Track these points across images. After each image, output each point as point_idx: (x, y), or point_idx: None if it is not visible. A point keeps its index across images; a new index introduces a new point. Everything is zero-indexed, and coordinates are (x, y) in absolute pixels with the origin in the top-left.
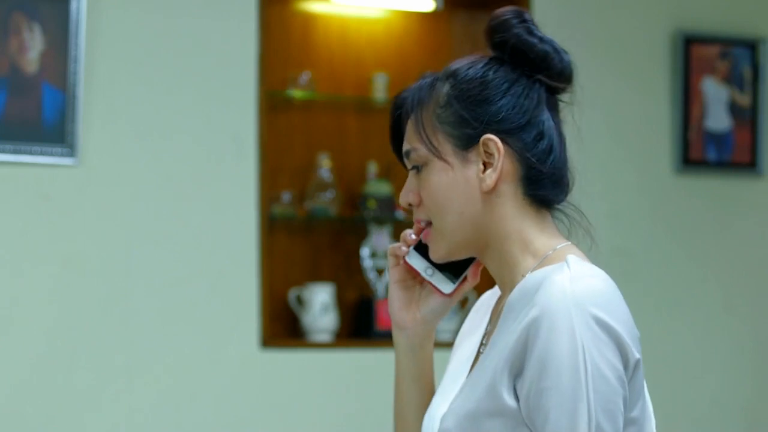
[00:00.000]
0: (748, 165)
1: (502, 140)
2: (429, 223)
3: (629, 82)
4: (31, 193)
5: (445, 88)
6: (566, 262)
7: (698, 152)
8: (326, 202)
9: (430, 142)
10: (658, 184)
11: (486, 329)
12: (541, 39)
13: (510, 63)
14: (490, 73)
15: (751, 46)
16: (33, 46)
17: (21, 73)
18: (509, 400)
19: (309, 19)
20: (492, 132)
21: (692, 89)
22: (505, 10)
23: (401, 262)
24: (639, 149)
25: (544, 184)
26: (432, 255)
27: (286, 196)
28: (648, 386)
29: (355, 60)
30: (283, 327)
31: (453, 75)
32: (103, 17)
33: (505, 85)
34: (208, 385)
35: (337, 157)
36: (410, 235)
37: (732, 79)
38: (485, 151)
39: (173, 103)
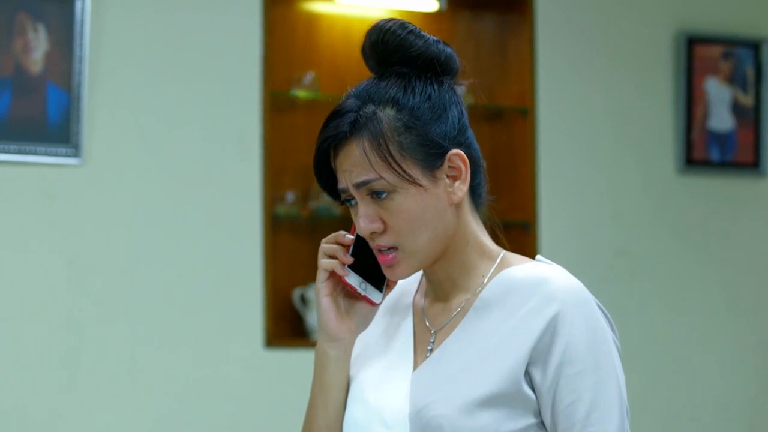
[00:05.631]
0: (751, 165)
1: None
2: (391, 248)
3: (632, 83)
4: (35, 193)
5: (391, 115)
6: (539, 260)
7: (701, 152)
8: (330, 202)
9: (404, 171)
10: (661, 184)
11: (414, 323)
12: (439, 46)
13: (421, 75)
14: (429, 90)
15: (754, 46)
16: (38, 46)
17: (26, 74)
18: (526, 389)
19: (313, 20)
20: (454, 146)
21: (695, 89)
22: (389, 24)
23: (330, 276)
24: (642, 149)
25: (481, 185)
26: (397, 277)
27: (290, 196)
28: (651, 385)
29: (359, 60)
30: (287, 326)
31: (394, 101)
32: (107, 18)
33: (445, 97)
34: (213, 385)
35: None
36: (344, 235)
37: (735, 80)
38: (449, 166)
39: (177, 103)
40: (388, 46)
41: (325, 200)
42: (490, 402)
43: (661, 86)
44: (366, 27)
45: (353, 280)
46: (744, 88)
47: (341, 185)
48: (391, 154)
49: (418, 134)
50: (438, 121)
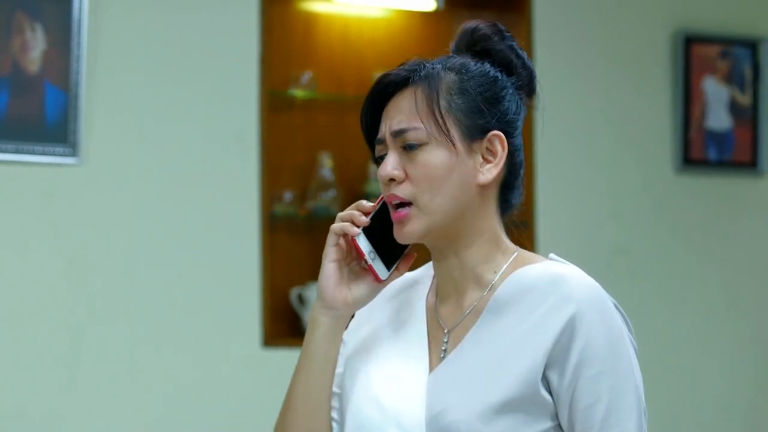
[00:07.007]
0: (749, 164)
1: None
2: (404, 204)
3: (630, 82)
4: (33, 193)
5: (452, 78)
6: (552, 258)
7: (699, 151)
8: (328, 201)
9: (444, 123)
10: (659, 184)
11: (427, 320)
12: (524, 62)
13: (495, 65)
14: (498, 74)
15: (752, 45)
16: (35, 45)
17: (23, 73)
18: (543, 393)
19: (311, 19)
20: (499, 130)
21: (693, 89)
22: (483, 24)
23: (342, 240)
24: (640, 149)
25: (515, 193)
26: (405, 235)
27: (287, 196)
28: (650, 384)
29: (357, 59)
30: (284, 326)
31: (461, 68)
32: (105, 16)
33: (508, 90)
34: (210, 384)
35: (338, 157)
36: (365, 204)
37: (732, 79)
38: (488, 147)
39: (175, 102)
40: (474, 38)
41: (322, 199)
42: (508, 407)
43: (658, 85)
44: (363, 26)
45: (363, 244)
46: (741, 87)
47: (380, 134)
48: (438, 105)
49: (471, 102)
50: (493, 101)
